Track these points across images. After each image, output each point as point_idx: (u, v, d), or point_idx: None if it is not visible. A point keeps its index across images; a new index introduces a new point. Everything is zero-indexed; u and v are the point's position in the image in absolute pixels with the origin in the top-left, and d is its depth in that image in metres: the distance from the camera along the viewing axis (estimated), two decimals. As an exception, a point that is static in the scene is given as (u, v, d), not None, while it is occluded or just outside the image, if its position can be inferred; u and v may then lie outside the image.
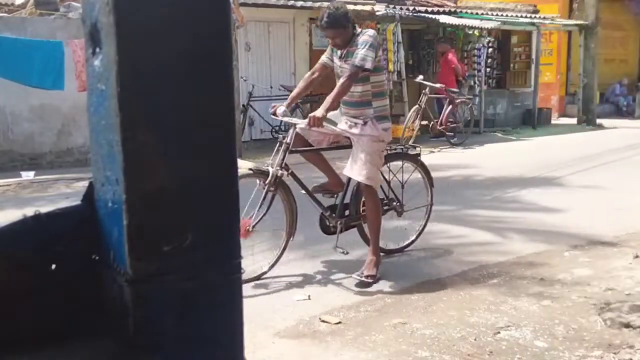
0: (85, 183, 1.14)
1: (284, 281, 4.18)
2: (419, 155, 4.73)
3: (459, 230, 5.41)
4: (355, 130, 4.07)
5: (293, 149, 4.11)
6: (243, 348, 1.10)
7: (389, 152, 4.39)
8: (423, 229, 4.85)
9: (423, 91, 10.76)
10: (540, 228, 5.42)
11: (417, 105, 10.65)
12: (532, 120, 13.95)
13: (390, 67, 11.87)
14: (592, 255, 4.66)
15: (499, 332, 3.29)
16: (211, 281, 1.04)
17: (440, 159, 9.88)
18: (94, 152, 1.07)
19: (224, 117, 1.05)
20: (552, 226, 5.48)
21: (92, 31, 1.00)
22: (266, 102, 10.04)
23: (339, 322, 3.47)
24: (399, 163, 4.64)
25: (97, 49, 0.99)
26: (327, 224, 4.34)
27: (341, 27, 3.93)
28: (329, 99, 3.94)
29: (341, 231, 4.31)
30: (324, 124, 3.96)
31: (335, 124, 4.08)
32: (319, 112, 3.86)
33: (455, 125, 11.36)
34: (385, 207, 4.53)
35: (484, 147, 11.19)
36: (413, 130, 10.62)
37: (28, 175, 8.48)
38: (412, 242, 4.78)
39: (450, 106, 11.12)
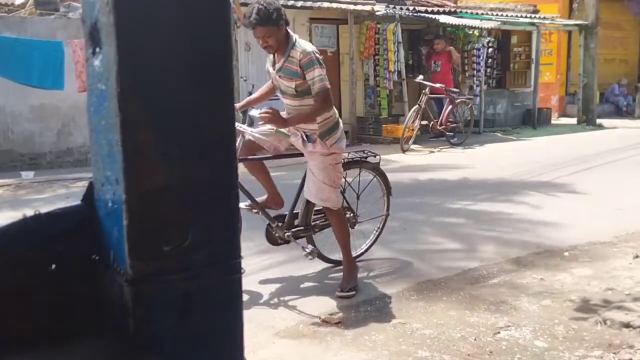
0: (85, 183, 1.14)
1: (283, 281, 4.18)
2: (377, 163, 4.43)
3: (458, 230, 5.41)
4: (305, 148, 3.84)
5: (241, 157, 3.88)
6: (243, 348, 1.10)
7: (345, 160, 4.10)
8: (375, 239, 4.57)
9: (423, 91, 10.77)
10: (540, 228, 5.41)
11: (417, 105, 10.65)
12: (532, 120, 13.95)
13: (391, 67, 11.88)
14: (592, 255, 4.65)
15: (499, 332, 3.29)
16: (211, 281, 1.04)
17: (440, 158, 9.89)
18: (94, 152, 1.08)
19: (224, 117, 1.05)
20: (552, 226, 5.48)
21: (92, 31, 1.00)
22: (266, 102, 10.03)
23: (339, 322, 3.47)
24: (356, 171, 4.36)
25: (97, 49, 0.99)
26: (275, 234, 4.06)
27: (274, 26, 3.52)
28: (298, 118, 3.74)
29: (288, 242, 4.09)
30: (277, 134, 3.88)
31: (287, 135, 3.91)
32: (282, 122, 3.70)
33: (455, 125, 11.37)
34: None
35: (484, 147, 11.19)
36: (413, 130, 10.63)
37: (28, 175, 8.48)
38: (362, 253, 4.48)
39: (450, 106, 11.13)
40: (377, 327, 3.39)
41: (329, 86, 3.68)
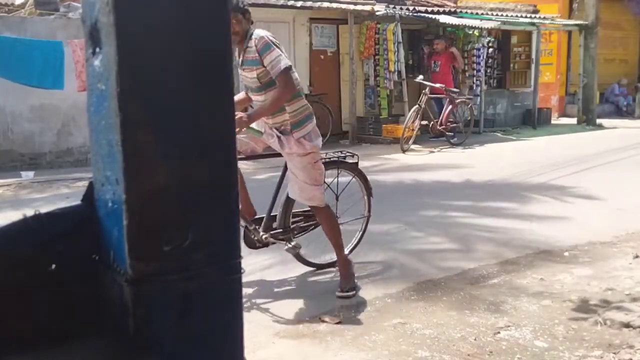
0: (85, 183, 1.14)
1: (283, 281, 4.18)
2: (356, 163, 4.36)
3: (458, 230, 5.41)
4: (283, 149, 3.78)
5: None
6: (243, 348, 1.10)
7: (323, 160, 3.99)
8: (358, 242, 4.48)
9: (423, 91, 10.77)
10: (540, 228, 5.41)
11: (417, 105, 10.65)
12: (532, 120, 13.95)
13: (391, 67, 11.88)
14: (592, 255, 4.65)
15: (499, 332, 3.29)
16: (211, 281, 1.04)
17: (441, 158, 9.89)
18: (94, 152, 1.07)
19: (224, 117, 1.05)
20: (552, 226, 5.48)
21: (92, 31, 1.00)
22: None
23: (339, 322, 3.47)
24: (335, 172, 4.24)
25: (97, 49, 0.99)
26: (252, 237, 3.99)
27: (242, 14, 3.64)
28: (262, 111, 3.68)
29: (267, 245, 4.05)
30: (249, 132, 3.81)
31: (260, 133, 3.85)
32: (245, 119, 3.62)
33: (455, 125, 11.37)
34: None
35: (484, 147, 11.19)
36: (413, 130, 10.63)
37: (28, 175, 8.48)
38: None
39: (450, 106, 11.13)
40: (377, 327, 3.39)
41: (289, 64, 3.61)
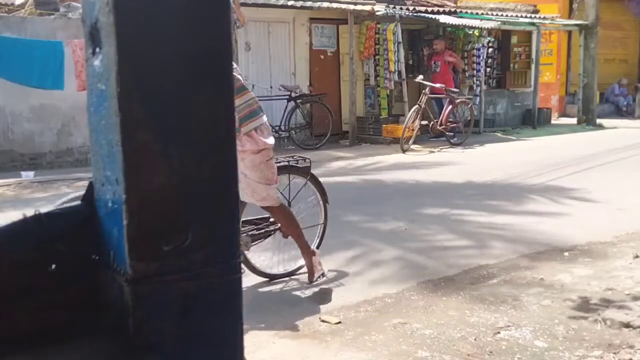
0: (85, 183, 1.14)
1: (283, 281, 4.18)
2: (309, 167, 4.17)
3: (458, 230, 5.41)
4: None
5: None
6: (243, 348, 1.10)
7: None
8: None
9: (423, 91, 10.78)
10: (540, 228, 5.42)
11: (417, 105, 10.66)
12: (532, 120, 13.96)
13: (391, 67, 11.88)
14: (592, 255, 4.66)
15: (499, 332, 3.29)
16: (211, 281, 1.04)
17: (441, 158, 9.89)
18: (94, 152, 1.07)
19: (224, 117, 1.05)
20: (552, 226, 5.48)
21: (92, 31, 1.00)
22: (266, 102, 10.04)
23: (339, 322, 3.47)
24: (286, 177, 4.10)
25: (97, 49, 0.99)
26: None
27: None
28: None
29: None
30: None
31: None
32: None
33: (455, 125, 11.38)
34: (271, 228, 4.09)
35: (484, 147, 11.19)
36: (413, 130, 10.64)
37: (28, 175, 8.49)
38: (301, 267, 4.20)
39: (450, 106, 11.14)
40: (377, 327, 3.39)
41: None
